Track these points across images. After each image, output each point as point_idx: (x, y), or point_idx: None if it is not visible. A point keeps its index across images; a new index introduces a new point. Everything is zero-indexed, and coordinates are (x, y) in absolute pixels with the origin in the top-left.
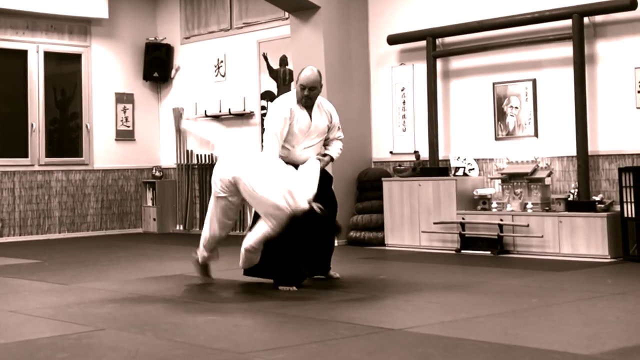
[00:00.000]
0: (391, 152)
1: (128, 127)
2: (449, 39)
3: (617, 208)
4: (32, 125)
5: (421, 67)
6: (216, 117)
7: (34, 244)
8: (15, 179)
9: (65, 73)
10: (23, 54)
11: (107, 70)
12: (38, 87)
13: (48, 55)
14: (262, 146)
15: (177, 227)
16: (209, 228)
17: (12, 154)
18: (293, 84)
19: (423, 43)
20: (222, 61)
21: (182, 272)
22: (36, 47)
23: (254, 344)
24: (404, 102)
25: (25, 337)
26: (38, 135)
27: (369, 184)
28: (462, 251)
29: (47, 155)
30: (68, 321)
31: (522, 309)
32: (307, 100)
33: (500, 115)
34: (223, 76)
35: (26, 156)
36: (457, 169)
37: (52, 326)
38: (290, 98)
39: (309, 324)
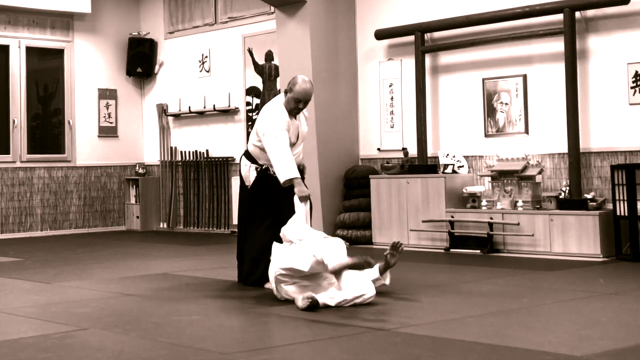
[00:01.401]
0: (379, 149)
1: (111, 123)
2: (437, 34)
3: (610, 206)
4: (13, 121)
5: (409, 62)
6: (200, 113)
7: (15, 241)
8: None
9: (47, 68)
10: (4, 49)
11: (90, 65)
12: (20, 82)
13: (30, 51)
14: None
15: (161, 225)
16: None
17: None
18: (279, 80)
19: (411, 38)
20: (206, 56)
21: (166, 270)
22: (18, 42)
23: (239, 344)
24: (392, 98)
25: (7, 337)
26: (20, 131)
27: (356, 182)
28: (452, 250)
29: (29, 152)
30: (51, 320)
31: (513, 309)
32: (298, 111)
33: (490, 111)
34: (207, 72)
35: (8, 153)
36: (446, 166)
37: (34, 325)
38: (283, 109)
39: (295, 325)
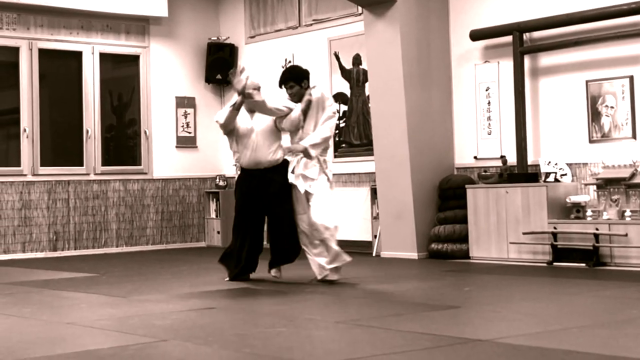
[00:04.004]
0: (475, 157)
1: (189, 133)
2: (537, 34)
3: None
4: (87, 131)
5: (507, 64)
6: None
7: (89, 258)
8: (70, 189)
9: (122, 76)
10: (77, 55)
11: (167, 72)
12: (93, 91)
13: (104, 57)
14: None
15: None
16: None
17: (67, 162)
18: (367, 85)
19: (509, 38)
20: (290, 61)
21: (249, 285)
22: (91, 49)
23: (328, 355)
24: (489, 103)
25: (83, 348)
26: (94, 142)
27: (452, 192)
28: (554, 264)
29: (104, 164)
30: (128, 332)
31: (620, 321)
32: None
33: (595, 115)
34: None
35: (81, 165)
36: (547, 174)
37: (111, 337)
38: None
39: (387, 335)
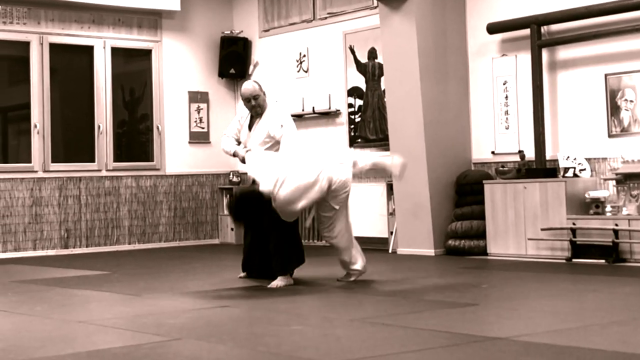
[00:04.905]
0: (493, 152)
1: (203, 128)
2: (555, 27)
3: None
4: (98, 127)
5: (525, 57)
6: (299, 117)
7: (101, 255)
8: (82, 185)
9: (134, 70)
10: (89, 50)
11: (180, 67)
12: (105, 86)
13: (115, 52)
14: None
15: None
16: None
17: (78, 158)
18: (383, 79)
19: (527, 31)
20: (304, 55)
21: (263, 283)
22: (103, 43)
23: (344, 353)
24: (506, 97)
25: (95, 347)
26: (105, 137)
27: (469, 188)
28: (573, 260)
29: (115, 160)
30: (141, 331)
31: None
32: (252, 110)
33: (614, 109)
34: (306, 72)
35: (93, 161)
36: (566, 169)
37: (124, 336)
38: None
39: (404, 333)
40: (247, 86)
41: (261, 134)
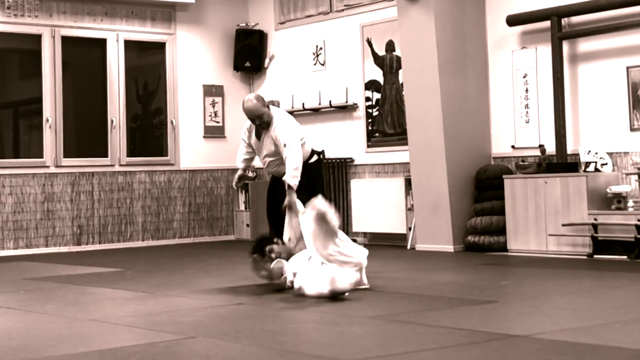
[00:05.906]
0: (513, 147)
1: (217, 122)
2: (576, 19)
3: None
4: (112, 121)
5: (545, 50)
6: (315, 110)
7: (114, 252)
8: (94, 181)
9: (147, 64)
10: (101, 43)
11: (194, 60)
12: (118, 79)
13: (129, 45)
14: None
15: None
16: None
17: (91, 153)
18: (401, 72)
19: (547, 23)
20: (321, 48)
21: (278, 280)
22: (116, 36)
23: (361, 352)
24: (526, 90)
25: (108, 346)
26: (118, 132)
27: (489, 183)
28: (595, 256)
29: (129, 155)
30: (155, 329)
31: None
32: (258, 126)
33: (636, 102)
34: (322, 65)
35: (106, 155)
36: (587, 164)
37: (137, 334)
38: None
39: (422, 331)
40: (249, 106)
41: (270, 144)
